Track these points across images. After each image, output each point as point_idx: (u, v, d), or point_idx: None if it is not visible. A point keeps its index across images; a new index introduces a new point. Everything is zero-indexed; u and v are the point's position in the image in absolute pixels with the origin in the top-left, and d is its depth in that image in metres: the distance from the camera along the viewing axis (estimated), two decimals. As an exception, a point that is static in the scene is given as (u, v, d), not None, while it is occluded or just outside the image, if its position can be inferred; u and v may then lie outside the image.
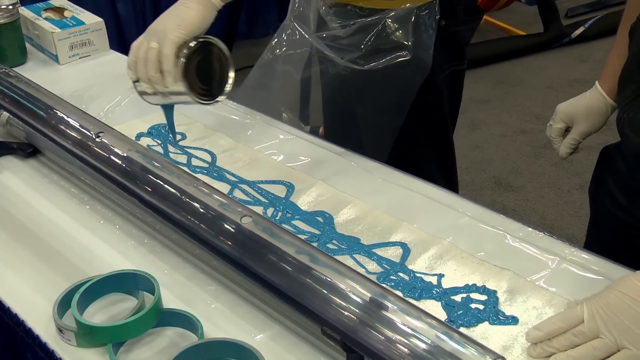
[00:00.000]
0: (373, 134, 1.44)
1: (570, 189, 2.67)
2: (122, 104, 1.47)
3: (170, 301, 0.94)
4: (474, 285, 0.95)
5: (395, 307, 0.66)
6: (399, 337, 0.65)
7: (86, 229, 1.10)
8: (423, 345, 0.64)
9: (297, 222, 1.08)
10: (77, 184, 1.21)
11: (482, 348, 0.63)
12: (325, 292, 0.70)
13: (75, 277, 0.97)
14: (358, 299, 0.68)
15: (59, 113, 0.99)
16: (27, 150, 1.28)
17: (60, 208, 1.15)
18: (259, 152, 1.28)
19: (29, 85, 1.10)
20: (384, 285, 0.89)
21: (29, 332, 0.93)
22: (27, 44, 1.67)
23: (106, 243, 1.07)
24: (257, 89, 1.59)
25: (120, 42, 3.20)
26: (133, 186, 0.86)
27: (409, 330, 0.65)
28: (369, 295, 0.68)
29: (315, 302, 0.70)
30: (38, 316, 0.94)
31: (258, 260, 0.74)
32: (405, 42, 1.35)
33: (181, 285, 0.98)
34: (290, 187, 1.15)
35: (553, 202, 2.62)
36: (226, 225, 0.77)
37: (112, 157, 0.89)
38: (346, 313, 0.69)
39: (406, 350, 0.65)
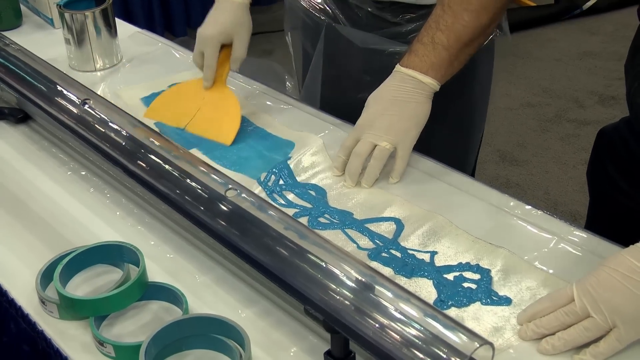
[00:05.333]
0: None
1: (576, 164, 2.64)
2: (120, 69, 1.44)
3: (156, 274, 0.92)
4: (468, 263, 0.93)
5: (381, 289, 0.64)
6: (384, 320, 0.63)
7: (75, 198, 1.08)
8: (408, 329, 0.61)
9: (289, 195, 1.06)
10: (67, 151, 1.18)
11: (469, 333, 0.61)
12: (310, 270, 0.67)
13: (61, 247, 0.95)
14: (344, 279, 0.66)
15: (47, 80, 0.96)
16: (18, 116, 1.26)
17: (49, 176, 1.13)
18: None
19: (19, 51, 1.07)
20: (373, 264, 0.87)
21: (11, 303, 0.91)
22: (22, 7, 1.64)
23: (94, 213, 1.05)
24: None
25: (126, 8, 3.16)
26: (118, 156, 0.84)
27: (395, 313, 0.63)
28: (354, 275, 0.66)
29: (298, 280, 0.68)
30: (22, 286, 0.92)
31: (242, 234, 0.72)
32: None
33: (168, 258, 0.96)
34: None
35: (558, 177, 2.58)
36: (211, 198, 0.74)
37: (96, 125, 0.87)
38: (330, 293, 0.67)
39: (391, 333, 0.63)
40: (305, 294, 0.67)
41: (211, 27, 1.24)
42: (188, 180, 0.77)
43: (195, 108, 1.26)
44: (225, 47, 1.26)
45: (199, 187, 0.76)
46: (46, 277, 0.90)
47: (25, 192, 1.10)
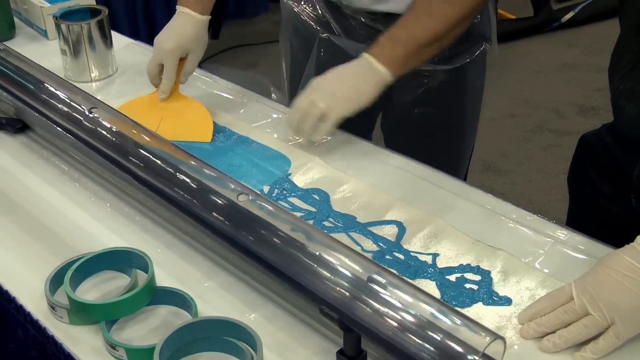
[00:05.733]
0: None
1: (558, 174, 2.68)
2: (115, 80, 1.45)
3: (162, 279, 0.93)
4: (469, 265, 0.95)
5: (394, 287, 0.66)
6: (398, 317, 0.65)
7: (77, 206, 1.09)
8: (422, 326, 0.64)
9: (293, 200, 1.08)
10: (67, 160, 1.19)
11: (480, 327, 0.63)
12: (323, 271, 0.69)
13: (66, 254, 0.96)
14: (355, 277, 0.67)
15: (51, 88, 0.97)
16: (17, 126, 1.27)
17: (51, 184, 1.14)
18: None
19: (19, 59, 1.08)
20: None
21: (20, 309, 0.92)
22: (15, 19, 1.65)
23: (97, 220, 1.06)
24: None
25: (111, 18, 3.16)
26: (127, 163, 0.85)
27: (409, 310, 0.65)
28: (367, 273, 0.68)
29: (313, 281, 0.70)
30: (29, 293, 0.93)
31: (256, 239, 0.74)
32: (487, 34, 1.37)
33: (174, 263, 0.98)
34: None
35: (541, 186, 2.63)
36: (223, 203, 0.76)
37: (104, 132, 0.88)
38: (344, 292, 0.68)
39: (404, 329, 0.65)
40: (320, 294, 0.69)
41: (172, 41, 1.28)
42: (200, 187, 0.79)
43: (157, 119, 1.27)
44: (180, 59, 1.30)
45: (212, 193, 0.78)
46: (54, 283, 0.91)
47: (28, 200, 1.11)
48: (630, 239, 0.85)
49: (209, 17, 1.31)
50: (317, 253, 0.70)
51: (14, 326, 0.94)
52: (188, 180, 0.80)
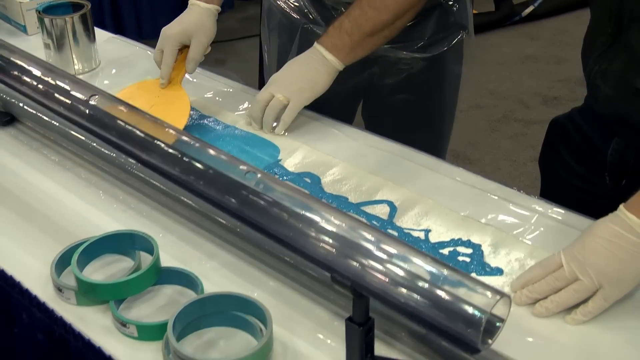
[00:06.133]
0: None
1: (526, 161, 2.75)
2: (98, 74, 1.46)
3: (165, 261, 0.95)
4: (460, 239, 0.99)
5: (401, 252, 0.70)
6: (408, 280, 0.68)
7: (73, 194, 1.11)
8: (432, 287, 0.67)
9: (285, 184, 1.11)
10: (58, 150, 1.21)
11: (488, 288, 0.67)
12: (334, 241, 0.72)
13: (67, 240, 0.97)
14: (366, 246, 0.71)
15: (52, 79, 0.99)
16: (4, 119, 1.27)
17: (45, 174, 1.15)
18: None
19: (12, 51, 1.09)
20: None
21: (25, 293, 0.93)
22: (-8, 15, 1.65)
23: (94, 207, 1.08)
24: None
25: (93, 12, 3.16)
26: (134, 149, 0.87)
27: (421, 274, 0.68)
28: (376, 241, 0.71)
29: (323, 251, 0.73)
30: (34, 277, 0.94)
31: (267, 215, 0.76)
32: (465, 22, 1.41)
33: (175, 246, 1.00)
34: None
35: (509, 173, 2.70)
36: (233, 182, 0.79)
37: (107, 120, 0.90)
38: (354, 260, 0.72)
39: (415, 294, 0.68)
40: (331, 263, 0.72)
41: (173, 27, 1.31)
42: (208, 168, 0.81)
43: (149, 105, 1.29)
44: (187, 47, 1.31)
45: (218, 172, 0.81)
46: (59, 266, 0.93)
47: (24, 190, 1.12)
48: (604, 216, 0.90)
49: (218, 8, 1.33)
50: (326, 224, 0.73)
51: (18, 310, 0.95)
52: (197, 164, 0.83)
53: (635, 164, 1.12)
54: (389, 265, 0.69)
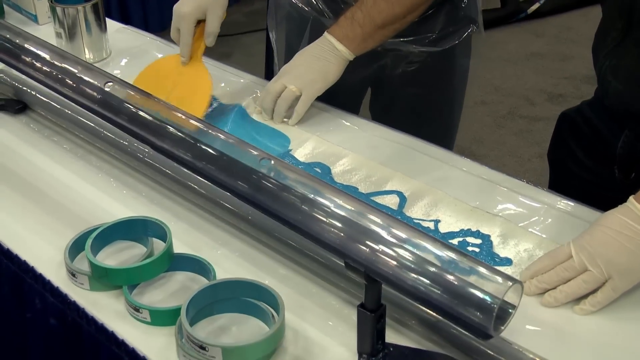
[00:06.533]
0: None
1: (531, 157, 2.76)
2: (109, 64, 1.47)
3: (176, 248, 0.96)
4: (469, 230, 1.00)
5: (414, 239, 0.70)
6: (421, 266, 0.69)
7: (85, 181, 1.12)
8: (445, 273, 0.68)
9: (295, 174, 1.12)
10: (69, 138, 1.22)
11: (500, 274, 0.68)
12: (347, 227, 0.73)
13: (79, 226, 0.99)
14: (380, 232, 0.71)
15: (67, 66, 1.00)
16: (17, 107, 1.28)
17: (57, 162, 1.16)
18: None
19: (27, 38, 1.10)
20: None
21: (38, 278, 0.94)
22: (3, 4, 1.65)
23: (107, 194, 1.09)
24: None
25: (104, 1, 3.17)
26: (149, 135, 0.88)
27: (433, 261, 0.69)
28: (389, 228, 0.72)
29: (337, 238, 0.73)
30: (47, 263, 0.95)
31: (283, 204, 0.77)
32: (474, 16, 1.42)
33: (187, 232, 1.01)
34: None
35: (514, 169, 2.70)
36: (247, 168, 0.79)
37: (124, 105, 0.91)
38: (367, 248, 0.72)
39: (427, 279, 0.69)
40: (344, 250, 0.73)
41: (186, 4, 1.29)
42: (221, 154, 0.82)
43: (172, 84, 1.29)
44: (202, 22, 1.30)
45: (231, 159, 0.81)
46: (73, 252, 0.94)
47: (37, 177, 1.13)
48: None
49: None
50: (340, 211, 0.74)
51: (32, 295, 0.96)
52: (210, 149, 0.83)
53: (644, 158, 1.13)
54: (400, 251, 0.70)
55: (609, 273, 0.87)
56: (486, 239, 0.99)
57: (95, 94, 0.95)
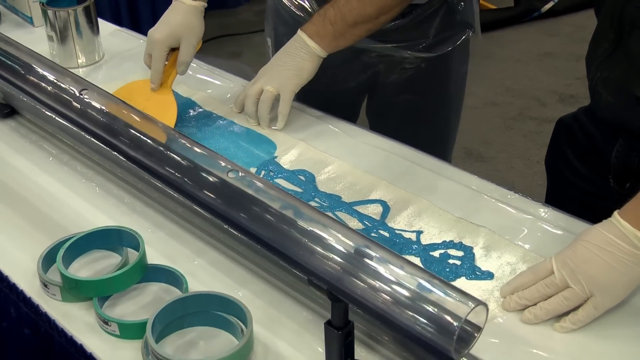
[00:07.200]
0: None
1: (540, 160, 2.71)
2: (102, 66, 1.46)
3: (153, 258, 0.95)
4: (452, 241, 0.98)
5: (380, 257, 0.69)
6: (384, 286, 0.67)
7: (67, 188, 1.11)
8: (407, 293, 0.66)
9: (279, 181, 1.10)
10: (56, 144, 1.21)
11: (463, 295, 0.66)
12: (312, 243, 0.71)
13: (57, 234, 0.97)
14: (343, 249, 0.70)
15: (42, 71, 0.99)
16: (5, 111, 1.28)
17: (40, 168, 1.15)
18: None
19: (8, 43, 1.09)
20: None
21: (12, 288, 0.93)
22: None
23: (87, 202, 1.08)
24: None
25: (109, 6, 3.17)
26: (117, 142, 0.87)
27: (394, 280, 0.67)
28: (353, 245, 0.70)
29: (302, 253, 0.72)
30: (21, 272, 0.95)
31: (247, 214, 0.76)
32: (471, 21, 1.40)
33: (163, 242, 1.00)
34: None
35: (522, 172, 2.67)
36: (213, 180, 0.78)
37: (95, 113, 0.90)
38: (331, 263, 0.71)
39: (389, 298, 0.67)
40: (309, 266, 0.71)
41: (160, 30, 1.26)
42: (192, 165, 0.80)
43: (140, 108, 1.27)
44: (176, 50, 1.28)
45: (202, 171, 0.80)
46: (47, 261, 0.93)
47: (18, 183, 1.12)
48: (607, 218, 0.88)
49: (204, 4, 1.28)
50: (306, 226, 0.72)
51: (7, 305, 0.96)
52: (179, 158, 0.82)
53: (639, 168, 1.10)
54: (366, 270, 0.68)
55: (591, 290, 0.84)
56: (468, 251, 0.96)
57: (71, 101, 0.94)
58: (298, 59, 1.22)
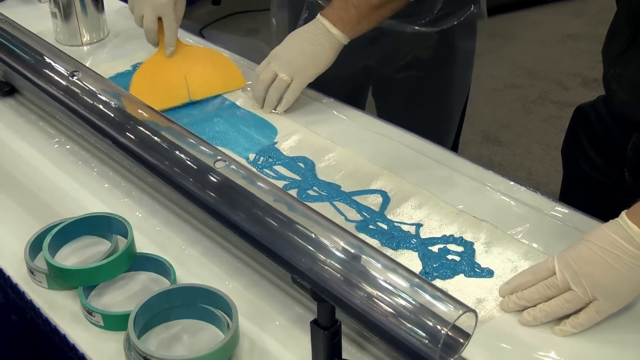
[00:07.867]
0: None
1: (558, 146, 2.63)
2: (107, 44, 1.44)
3: (144, 245, 0.93)
4: (452, 236, 0.94)
5: (367, 258, 0.65)
6: (369, 289, 0.64)
7: (62, 171, 1.09)
8: (394, 298, 0.63)
9: (278, 167, 1.07)
10: (54, 124, 1.18)
11: (453, 301, 0.62)
12: (298, 240, 0.69)
13: (49, 218, 0.96)
14: (331, 249, 0.67)
15: (34, 51, 0.96)
16: (5, 89, 1.26)
17: (37, 149, 1.13)
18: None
19: (7, 22, 1.07)
20: (360, 236, 0.88)
21: (0, 273, 0.91)
22: (6, -18, 1.63)
23: (82, 185, 1.06)
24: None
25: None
26: (107, 128, 0.84)
27: (381, 282, 0.64)
28: (342, 245, 0.67)
29: (287, 250, 0.69)
30: (10, 257, 0.93)
31: (231, 206, 0.73)
32: None
33: (155, 230, 0.97)
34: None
35: (540, 158, 2.61)
36: (200, 170, 0.75)
37: (85, 97, 0.87)
38: (318, 263, 0.68)
39: (376, 302, 0.64)
40: (293, 263, 0.68)
41: None
42: (177, 152, 0.78)
43: (181, 77, 1.25)
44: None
45: (188, 158, 0.77)
46: (35, 247, 0.91)
47: (13, 164, 1.10)
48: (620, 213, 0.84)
49: None
50: (292, 222, 0.69)
51: (-5, 290, 0.94)
52: (166, 145, 0.79)
53: (655, 163, 1.06)
54: (350, 270, 0.65)
55: (594, 294, 0.80)
56: (469, 246, 0.93)
57: (61, 82, 0.92)
58: (318, 47, 1.17)
